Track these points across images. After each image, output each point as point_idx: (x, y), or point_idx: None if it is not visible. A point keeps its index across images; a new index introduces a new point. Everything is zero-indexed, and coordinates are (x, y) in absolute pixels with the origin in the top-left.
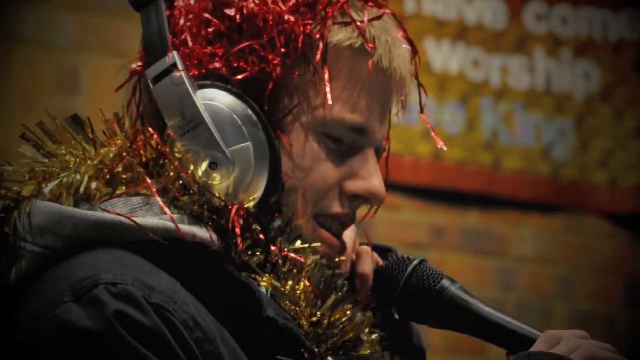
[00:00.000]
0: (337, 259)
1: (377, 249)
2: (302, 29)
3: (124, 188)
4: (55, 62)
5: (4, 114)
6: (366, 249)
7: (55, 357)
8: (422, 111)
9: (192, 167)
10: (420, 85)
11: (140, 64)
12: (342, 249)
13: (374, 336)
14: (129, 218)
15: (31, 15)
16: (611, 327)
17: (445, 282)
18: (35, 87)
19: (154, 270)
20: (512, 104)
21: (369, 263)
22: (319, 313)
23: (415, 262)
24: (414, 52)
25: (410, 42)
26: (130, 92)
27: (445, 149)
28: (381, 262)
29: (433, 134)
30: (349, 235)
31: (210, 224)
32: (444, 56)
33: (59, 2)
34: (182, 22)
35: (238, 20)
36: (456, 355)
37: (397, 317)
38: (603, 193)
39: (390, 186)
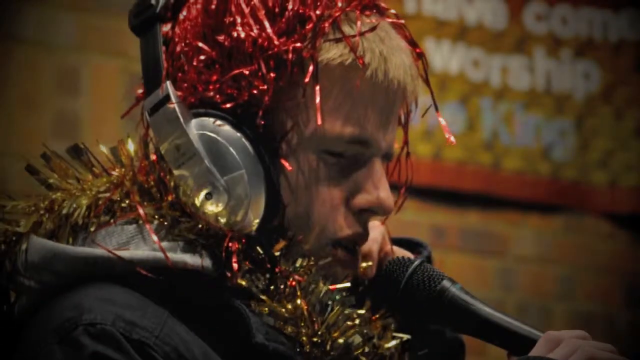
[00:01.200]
0: (361, 267)
1: (406, 242)
2: (290, 52)
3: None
4: (55, 62)
5: (4, 114)
6: (395, 248)
7: None
8: (436, 110)
9: (186, 196)
10: (429, 86)
11: (142, 90)
12: (355, 263)
13: (393, 343)
14: (113, 253)
15: (31, 15)
16: (611, 327)
17: (446, 283)
18: (35, 87)
19: (140, 304)
20: (512, 104)
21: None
22: (319, 333)
23: (416, 263)
24: (419, 55)
25: (413, 44)
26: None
27: (454, 142)
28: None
29: (444, 129)
30: (373, 238)
31: (204, 251)
32: (443, 56)
33: (59, 2)
34: (178, 47)
35: (227, 46)
36: None
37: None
38: (603, 193)
39: (390, 186)
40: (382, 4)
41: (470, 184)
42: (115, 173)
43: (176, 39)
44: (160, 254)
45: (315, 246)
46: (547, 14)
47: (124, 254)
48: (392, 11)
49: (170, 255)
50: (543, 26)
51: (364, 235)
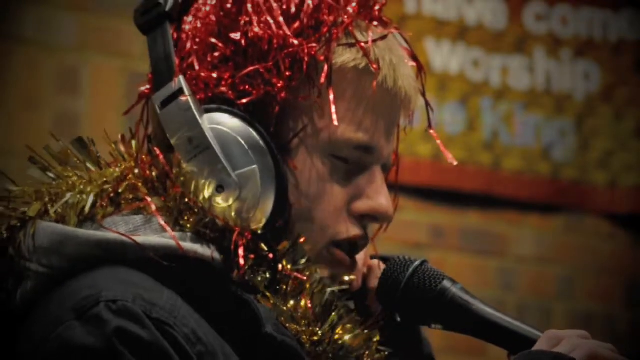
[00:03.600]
0: (347, 277)
1: (380, 259)
2: (306, 52)
3: (127, 206)
4: (55, 63)
5: (4, 114)
6: (376, 262)
7: None
8: (430, 127)
9: (197, 189)
10: (427, 104)
11: (148, 86)
12: (353, 267)
13: (378, 355)
14: (129, 237)
15: (31, 15)
16: (611, 327)
17: (446, 283)
18: (35, 87)
19: (155, 287)
20: (512, 104)
21: (379, 277)
22: (320, 332)
23: (416, 263)
24: (420, 68)
25: (416, 59)
26: (139, 113)
27: (455, 163)
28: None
29: (442, 148)
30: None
31: (212, 244)
32: (443, 56)
33: (59, 2)
34: (188, 45)
35: (243, 44)
36: (457, 355)
37: (398, 319)
38: (603, 193)
39: (390, 186)
40: (386, 18)
41: (470, 184)
42: (119, 166)
43: (184, 38)
44: (172, 242)
45: (315, 246)
46: (547, 14)
47: (138, 239)
48: (393, 30)
49: (181, 244)
50: (543, 26)
51: (364, 239)
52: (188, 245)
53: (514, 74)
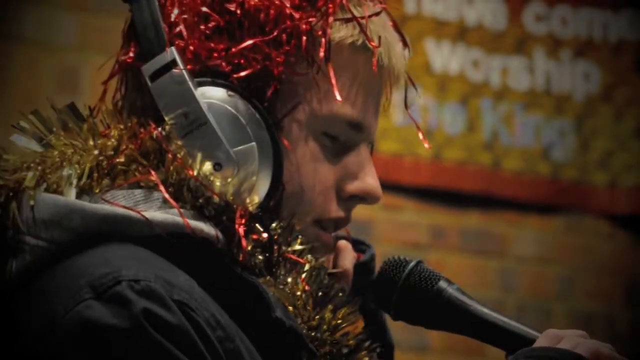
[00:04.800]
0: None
1: (348, 241)
2: (304, 25)
3: (123, 179)
4: (55, 62)
5: (4, 114)
6: (344, 243)
7: (82, 356)
8: (406, 107)
9: (194, 165)
10: (412, 81)
11: (130, 55)
12: (334, 247)
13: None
14: (138, 212)
15: (31, 15)
16: (611, 328)
17: (443, 284)
18: (35, 87)
19: (170, 266)
20: (511, 104)
21: (348, 258)
22: (317, 317)
23: (412, 264)
24: (404, 43)
25: (400, 33)
26: (117, 83)
27: (427, 146)
28: (358, 257)
29: (417, 127)
30: None
31: (213, 222)
32: (444, 57)
33: (59, 2)
34: (175, 12)
35: (239, 15)
36: (455, 356)
37: (393, 318)
38: (603, 193)
39: (391, 187)
40: None
41: (470, 185)
42: (115, 135)
43: (169, 5)
44: (178, 219)
45: (301, 225)
46: (546, 15)
47: (146, 214)
48: (385, 5)
49: (188, 221)
50: (543, 27)
51: (346, 220)
52: (194, 223)
53: (514, 74)
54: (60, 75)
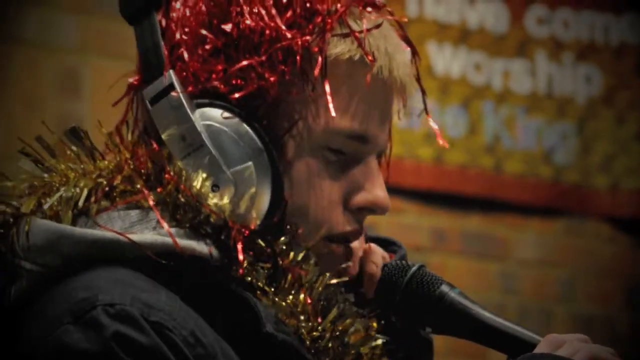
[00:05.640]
0: (343, 266)
1: (380, 241)
2: (300, 44)
3: (122, 200)
4: (56, 64)
5: (5, 115)
6: (374, 246)
7: None
8: (427, 113)
9: (193, 186)
10: (422, 89)
11: (137, 77)
12: (349, 257)
13: (376, 343)
14: (124, 236)
15: (32, 16)
16: (612, 330)
17: (445, 288)
18: (36, 88)
19: (153, 287)
20: (513, 107)
21: (375, 261)
22: (320, 328)
23: (414, 268)
24: (414, 53)
25: (410, 44)
26: (126, 105)
27: (447, 146)
28: (388, 258)
29: (437, 134)
30: None
31: (209, 240)
32: (445, 60)
33: (60, 4)
34: (178, 35)
35: (235, 36)
36: (458, 359)
37: (395, 321)
38: (604, 197)
39: (392, 190)
40: (380, 2)
41: (472, 188)
42: (114, 158)
43: (173, 27)
44: (168, 239)
45: (311, 241)
46: (548, 18)
47: (133, 237)
48: (389, 9)
49: (178, 240)
50: (544, 30)
51: (359, 232)
52: (185, 242)
53: (516, 77)
54: (61, 76)
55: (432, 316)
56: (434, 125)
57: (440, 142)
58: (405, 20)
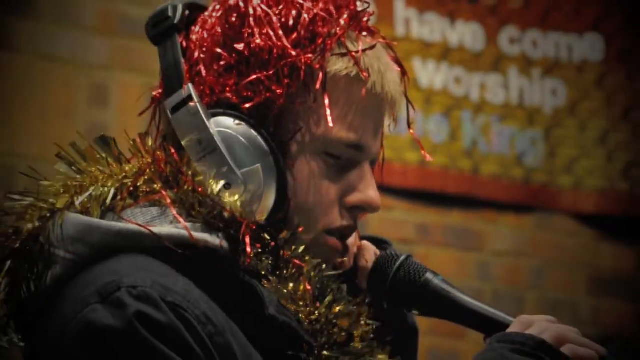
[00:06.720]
0: (339, 259)
1: (373, 240)
2: (303, 61)
3: (144, 199)
4: (87, 79)
5: (43, 124)
6: (366, 243)
7: (80, 352)
8: (409, 127)
9: (207, 185)
10: (409, 102)
11: (159, 91)
12: (345, 250)
13: (367, 328)
14: (146, 228)
15: (66, 38)
16: (575, 314)
17: (429, 275)
18: (70, 100)
19: (170, 273)
20: (489, 116)
21: (368, 256)
22: (317, 312)
23: (402, 258)
24: (403, 73)
25: (400, 65)
26: (151, 115)
27: (430, 159)
28: (379, 254)
29: (420, 146)
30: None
31: (221, 233)
32: (429, 74)
33: (91, 26)
34: (196, 54)
35: (246, 54)
36: (439, 337)
37: (386, 306)
38: (569, 195)
39: (382, 189)
40: (374, 28)
41: (453, 187)
42: (137, 162)
43: (192, 47)
44: (184, 232)
45: (311, 235)
46: (519, 38)
47: (154, 229)
48: (382, 34)
49: (193, 233)
50: (516, 48)
51: (353, 228)
52: (198, 235)
53: (491, 90)
54: (91, 90)
55: (418, 300)
56: (417, 138)
57: (426, 156)
58: (395, 43)
